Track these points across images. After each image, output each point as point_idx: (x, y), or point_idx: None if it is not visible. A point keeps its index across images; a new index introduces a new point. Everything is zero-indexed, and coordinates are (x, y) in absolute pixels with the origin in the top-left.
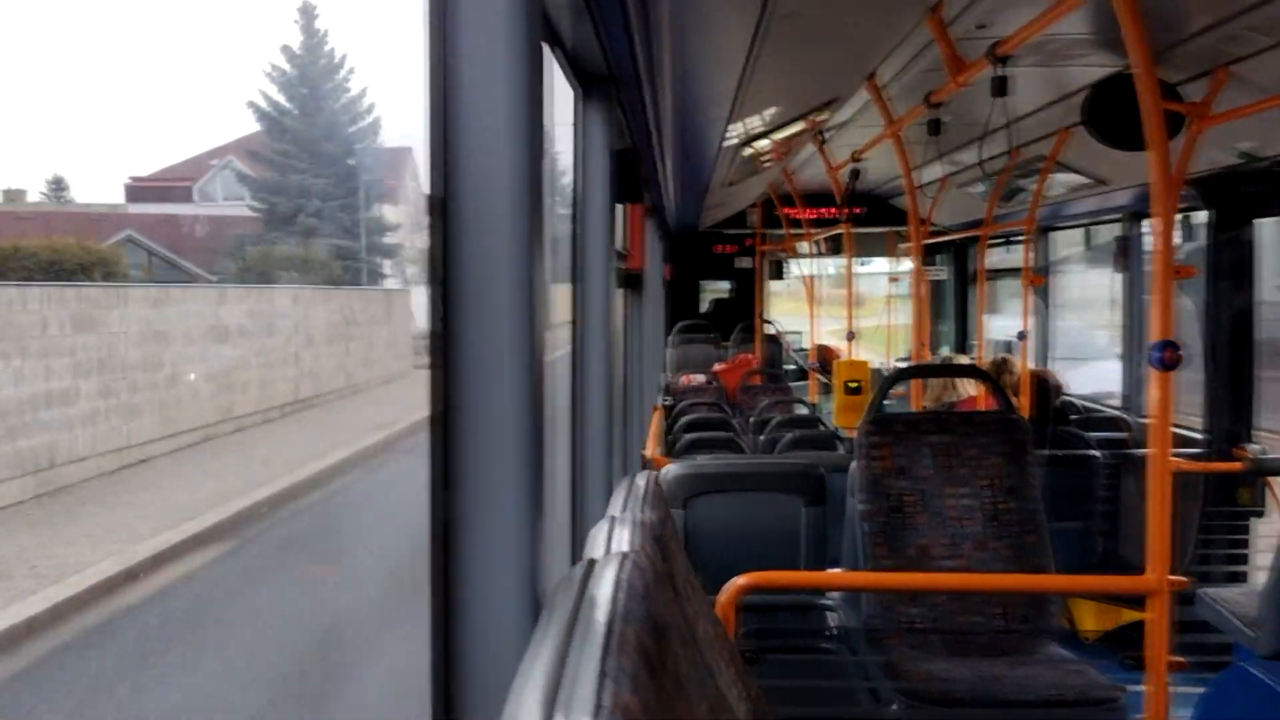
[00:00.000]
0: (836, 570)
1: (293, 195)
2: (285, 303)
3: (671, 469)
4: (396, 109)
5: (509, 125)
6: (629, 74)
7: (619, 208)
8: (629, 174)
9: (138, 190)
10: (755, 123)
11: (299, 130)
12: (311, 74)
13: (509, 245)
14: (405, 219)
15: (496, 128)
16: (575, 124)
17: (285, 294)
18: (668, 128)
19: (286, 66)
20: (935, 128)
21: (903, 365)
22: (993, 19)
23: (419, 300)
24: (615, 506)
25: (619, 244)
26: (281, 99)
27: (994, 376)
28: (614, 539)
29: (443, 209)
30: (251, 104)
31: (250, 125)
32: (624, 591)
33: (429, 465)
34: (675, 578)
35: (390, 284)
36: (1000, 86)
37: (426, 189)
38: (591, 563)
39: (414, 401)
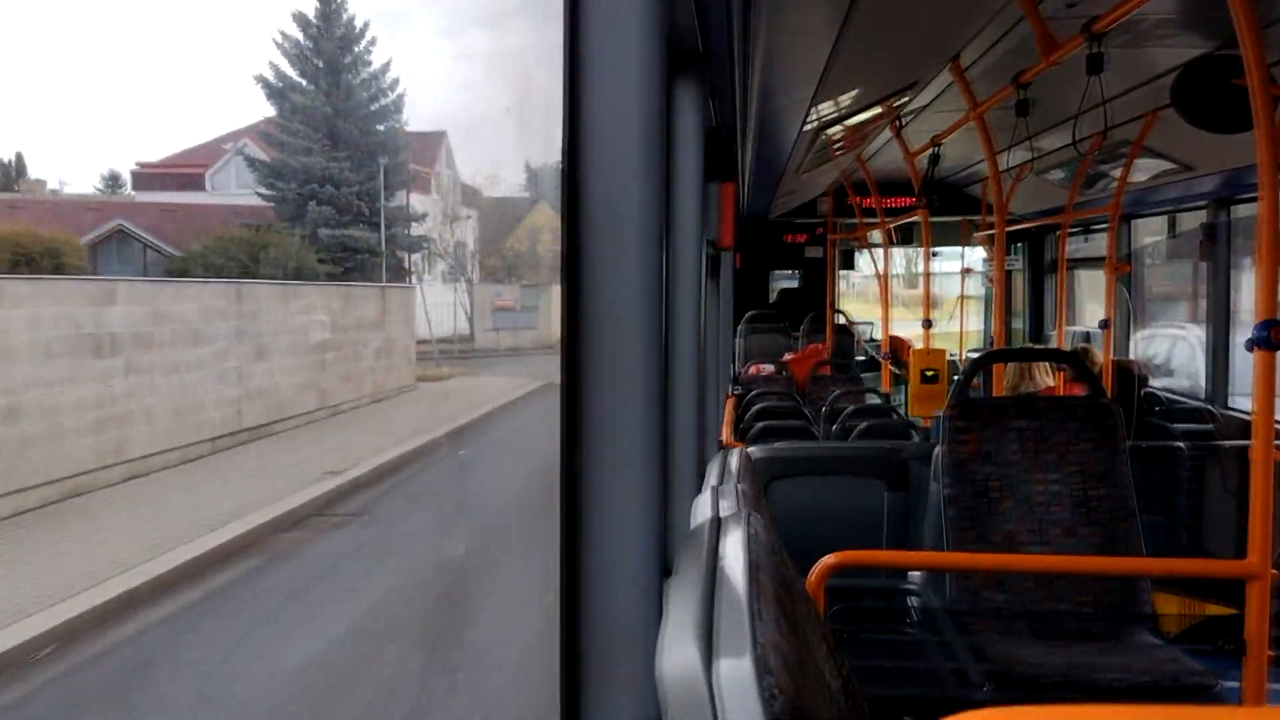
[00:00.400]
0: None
1: (303, 180)
2: (220, 302)
3: (753, 451)
4: (428, 92)
5: (636, 130)
6: (722, 52)
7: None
8: (722, 152)
9: (144, 178)
10: (833, 108)
11: (316, 109)
12: (326, 48)
13: (634, 240)
14: (435, 209)
15: (624, 135)
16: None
17: (223, 291)
18: (752, 110)
19: (300, 37)
20: (1024, 109)
21: (976, 355)
22: None
23: (435, 298)
24: (712, 480)
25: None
26: (293, 73)
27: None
28: (719, 507)
29: (571, 211)
30: (261, 78)
31: (265, 108)
32: (755, 545)
33: (560, 435)
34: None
35: (411, 280)
36: (1096, 64)
37: (465, 178)
38: (718, 520)
39: (405, 428)
